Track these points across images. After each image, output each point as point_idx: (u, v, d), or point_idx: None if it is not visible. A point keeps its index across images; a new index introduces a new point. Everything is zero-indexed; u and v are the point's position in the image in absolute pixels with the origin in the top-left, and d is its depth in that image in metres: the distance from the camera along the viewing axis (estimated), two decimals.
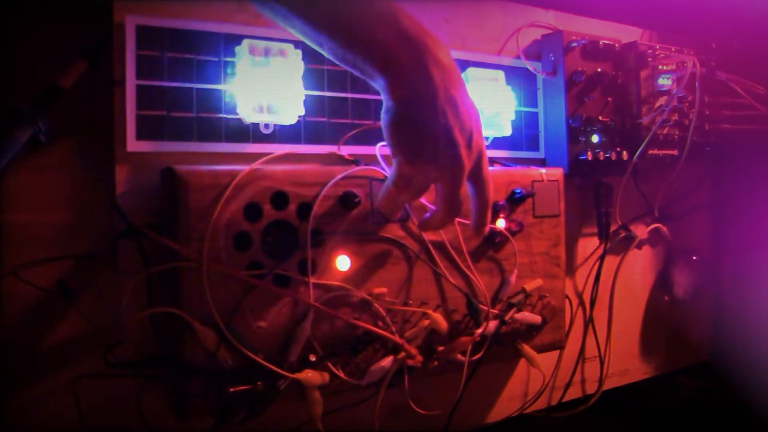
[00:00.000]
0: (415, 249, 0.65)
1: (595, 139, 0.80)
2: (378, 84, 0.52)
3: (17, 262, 0.53)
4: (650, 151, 0.83)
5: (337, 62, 0.52)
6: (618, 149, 0.81)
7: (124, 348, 0.54)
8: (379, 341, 0.62)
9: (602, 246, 0.86)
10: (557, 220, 0.75)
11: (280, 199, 0.58)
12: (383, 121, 0.53)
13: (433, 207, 0.65)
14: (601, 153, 0.79)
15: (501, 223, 0.70)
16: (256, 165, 0.57)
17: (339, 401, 0.62)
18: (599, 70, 0.80)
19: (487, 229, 0.58)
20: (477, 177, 0.56)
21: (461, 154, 0.52)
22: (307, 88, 0.64)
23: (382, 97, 0.52)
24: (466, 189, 0.56)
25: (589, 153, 0.78)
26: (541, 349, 0.74)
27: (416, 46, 0.50)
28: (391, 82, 0.51)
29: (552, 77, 0.79)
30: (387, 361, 0.62)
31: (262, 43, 0.61)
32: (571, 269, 0.85)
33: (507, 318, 0.69)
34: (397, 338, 0.62)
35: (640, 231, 0.91)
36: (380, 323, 0.63)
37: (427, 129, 0.51)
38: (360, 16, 0.50)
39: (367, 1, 0.50)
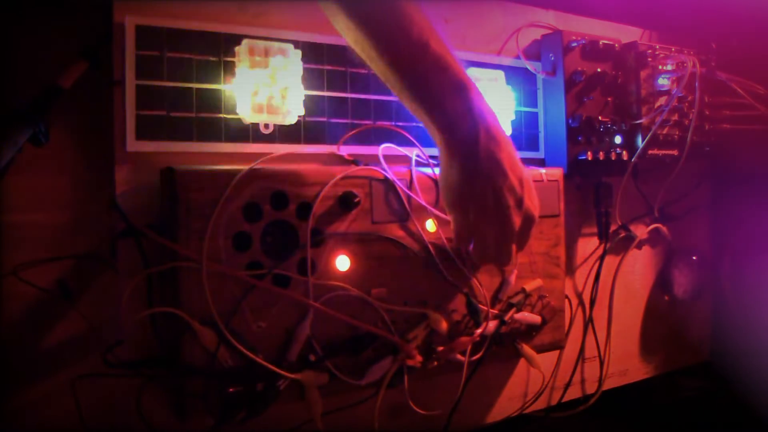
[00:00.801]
0: (415, 249, 0.65)
1: (594, 139, 0.80)
2: (438, 141, 0.57)
3: (17, 262, 0.53)
4: (650, 151, 0.83)
5: (401, 100, 0.57)
6: (618, 149, 0.81)
7: (124, 348, 0.54)
8: (379, 341, 0.62)
9: (602, 246, 0.86)
10: (557, 220, 0.75)
11: (279, 199, 0.58)
12: (441, 181, 0.59)
13: (432, 207, 0.65)
14: (601, 153, 0.80)
15: None
16: (256, 165, 0.57)
17: (339, 401, 0.62)
18: (599, 70, 0.80)
19: (510, 266, 0.66)
20: (521, 236, 0.61)
21: (510, 215, 0.57)
22: (307, 88, 0.64)
23: (440, 154, 0.58)
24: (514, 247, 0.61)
25: (588, 153, 0.78)
26: (540, 349, 0.74)
27: (475, 121, 0.56)
28: (451, 146, 0.57)
29: (552, 77, 0.79)
30: (387, 361, 0.62)
31: (262, 43, 0.61)
32: (570, 269, 0.85)
33: (507, 318, 0.69)
34: (396, 338, 0.62)
35: (640, 231, 0.91)
36: (380, 323, 0.63)
37: (479, 191, 0.56)
38: (438, 86, 0.55)
39: (446, 68, 0.55)
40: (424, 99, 0.55)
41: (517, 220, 0.58)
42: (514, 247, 0.60)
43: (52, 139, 0.54)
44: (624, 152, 0.81)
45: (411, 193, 0.64)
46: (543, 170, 0.75)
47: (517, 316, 0.71)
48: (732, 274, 0.99)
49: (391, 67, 0.54)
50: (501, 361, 0.76)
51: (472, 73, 0.74)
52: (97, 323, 0.55)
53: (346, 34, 0.56)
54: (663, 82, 0.84)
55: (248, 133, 0.62)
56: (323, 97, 0.66)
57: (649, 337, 0.94)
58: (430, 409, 0.66)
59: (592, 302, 0.86)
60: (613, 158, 0.80)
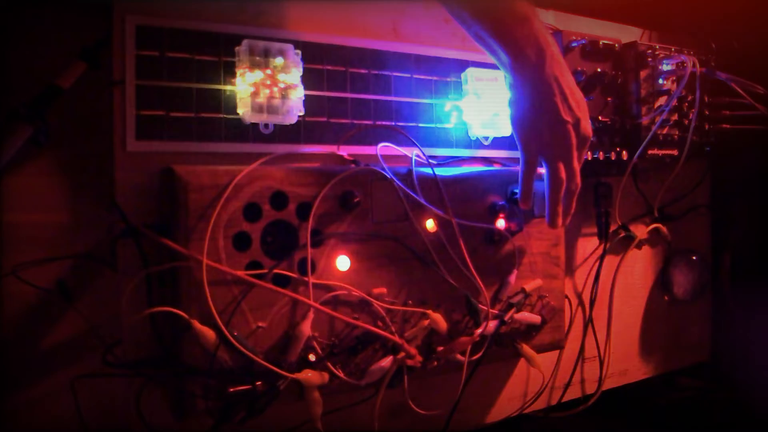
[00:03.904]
0: (415, 249, 0.65)
1: (594, 139, 0.80)
2: (507, 67, 0.63)
3: (17, 262, 0.53)
4: (650, 151, 0.83)
5: (470, 35, 0.63)
6: (618, 149, 0.81)
7: (123, 348, 0.54)
8: (379, 341, 0.62)
9: (602, 246, 0.86)
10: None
11: (279, 199, 0.58)
12: (512, 105, 0.64)
13: (432, 207, 0.65)
14: (601, 153, 0.80)
15: (500, 223, 0.70)
16: (256, 165, 0.57)
17: (339, 401, 0.62)
18: (599, 70, 0.80)
19: (560, 221, 0.66)
20: (578, 155, 0.65)
21: (569, 131, 0.63)
22: (307, 88, 0.64)
23: (507, 78, 0.64)
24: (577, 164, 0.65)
25: (588, 153, 0.78)
26: (540, 349, 0.74)
27: (541, 47, 0.61)
28: (521, 70, 0.62)
29: None
30: (387, 361, 0.62)
31: (262, 43, 0.61)
32: (570, 269, 0.85)
33: (506, 318, 0.69)
34: (396, 338, 0.62)
35: (640, 231, 0.91)
36: (380, 323, 0.63)
37: (547, 109, 0.62)
38: (505, 15, 0.61)
39: (511, 2, 0.61)
40: (493, 30, 0.61)
41: (574, 138, 0.63)
42: (576, 163, 0.65)
43: (52, 139, 0.54)
44: (624, 152, 0.81)
45: (411, 193, 0.64)
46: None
47: (517, 316, 0.71)
48: (732, 274, 0.99)
49: (466, 7, 0.61)
50: (501, 361, 0.76)
51: (472, 72, 0.74)
52: (96, 323, 0.55)
53: None
54: (663, 82, 0.84)
55: (248, 133, 0.62)
56: (323, 97, 0.66)
57: (649, 337, 0.94)
58: (429, 409, 0.66)
59: (592, 302, 0.86)
60: (612, 158, 0.80)
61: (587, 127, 0.65)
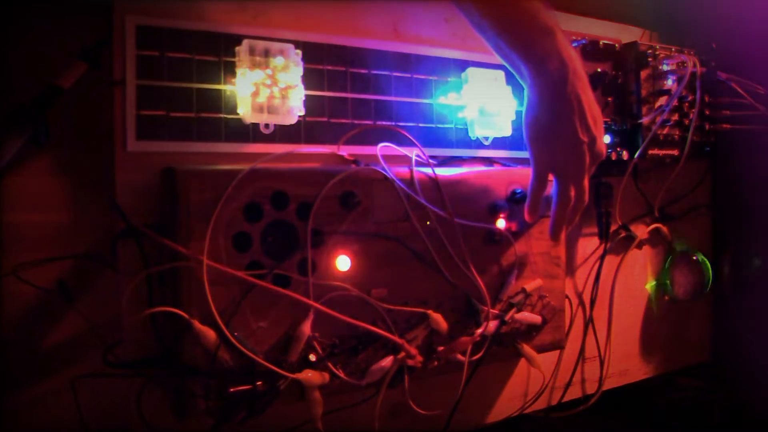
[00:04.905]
0: (415, 249, 0.65)
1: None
2: (527, 79, 0.62)
3: (17, 262, 0.53)
4: (650, 151, 0.83)
5: (489, 45, 0.62)
6: (618, 149, 0.81)
7: (124, 348, 0.54)
8: (379, 341, 0.62)
9: (602, 246, 0.86)
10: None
11: (280, 199, 0.58)
12: (527, 116, 0.64)
13: (432, 207, 0.65)
14: None
15: (501, 223, 0.70)
16: (256, 165, 0.57)
17: (339, 401, 0.62)
18: (599, 70, 0.80)
19: (563, 236, 0.69)
20: (589, 172, 0.65)
21: (584, 150, 0.63)
22: (307, 88, 0.64)
23: (526, 91, 0.63)
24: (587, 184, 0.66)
25: None
26: (541, 349, 0.74)
27: (564, 62, 0.60)
28: (541, 83, 0.61)
29: None
30: (387, 361, 0.62)
31: (262, 43, 0.61)
32: (571, 269, 0.85)
33: (507, 318, 0.69)
34: (397, 338, 0.62)
35: (640, 231, 0.91)
36: (380, 323, 0.63)
37: (564, 124, 0.61)
38: (528, 27, 0.60)
39: (535, 14, 0.60)
40: (515, 42, 0.60)
41: (588, 158, 0.63)
42: (586, 182, 0.65)
43: (52, 139, 0.54)
44: (624, 152, 0.81)
45: (412, 193, 0.64)
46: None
47: (518, 316, 0.71)
48: (732, 274, 0.99)
49: (486, 17, 0.59)
50: (501, 361, 0.76)
51: (472, 72, 0.74)
52: (97, 323, 0.55)
53: None
54: (663, 82, 0.84)
55: (248, 133, 0.62)
56: (323, 97, 0.66)
57: (649, 337, 0.94)
58: (430, 409, 0.66)
59: (592, 302, 0.86)
60: (613, 158, 0.80)
61: (602, 146, 0.65)
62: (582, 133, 0.62)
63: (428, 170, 0.67)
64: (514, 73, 0.63)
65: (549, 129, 0.62)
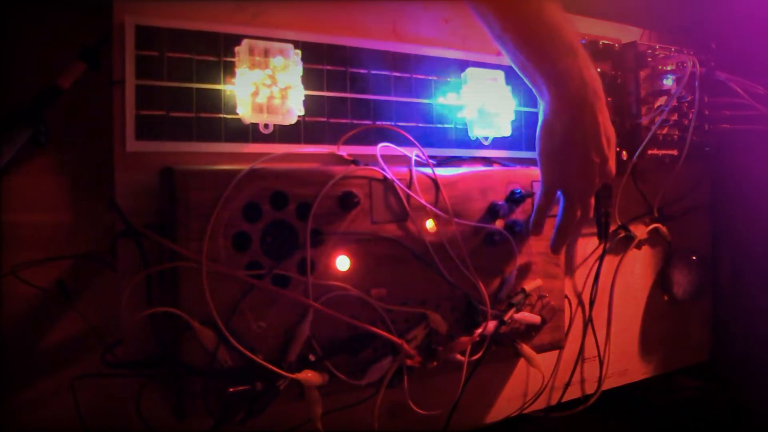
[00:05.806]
0: (414, 249, 0.65)
1: None
2: (545, 96, 0.62)
3: (17, 262, 0.53)
4: (650, 151, 0.83)
5: (508, 57, 0.62)
6: (618, 149, 0.81)
7: (123, 348, 0.54)
8: (379, 341, 0.62)
9: (602, 246, 0.86)
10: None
11: (279, 199, 0.58)
12: (542, 131, 0.63)
13: (432, 207, 0.65)
14: None
15: (501, 224, 0.70)
16: (255, 165, 0.57)
17: (338, 401, 0.62)
18: (599, 69, 0.80)
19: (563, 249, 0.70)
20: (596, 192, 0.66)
21: (595, 171, 0.63)
22: (307, 88, 0.64)
23: (542, 107, 0.63)
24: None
25: None
26: (540, 349, 0.74)
27: (585, 81, 0.60)
28: (561, 101, 0.61)
29: None
30: (386, 361, 0.62)
31: (262, 43, 0.61)
32: (570, 269, 0.85)
33: (506, 318, 0.69)
34: (396, 338, 0.62)
35: (640, 231, 0.91)
36: (379, 323, 0.63)
37: (578, 142, 0.61)
38: (551, 44, 0.60)
39: (558, 31, 0.60)
40: (537, 59, 0.60)
41: (598, 179, 0.64)
42: (592, 200, 0.66)
43: (52, 139, 0.54)
44: (624, 152, 0.81)
45: (411, 193, 0.64)
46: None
47: (517, 316, 0.71)
48: (732, 274, 0.99)
49: (509, 31, 0.60)
50: (500, 361, 0.76)
51: (472, 73, 0.74)
52: (96, 323, 0.55)
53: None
54: (663, 82, 0.84)
55: (248, 133, 0.62)
56: (323, 97, 0.66)
57: (649, 337, 0.94)
58: (429, 409, 0.66)
59: (592, 302, 0.86)
60: None
61: (612, 167, 0.65)
62: (595, 155, 0.62)
63: (427, 170, 0.67)
64: (530, 85, 0.63)
65: (562, 148, 0.62)
